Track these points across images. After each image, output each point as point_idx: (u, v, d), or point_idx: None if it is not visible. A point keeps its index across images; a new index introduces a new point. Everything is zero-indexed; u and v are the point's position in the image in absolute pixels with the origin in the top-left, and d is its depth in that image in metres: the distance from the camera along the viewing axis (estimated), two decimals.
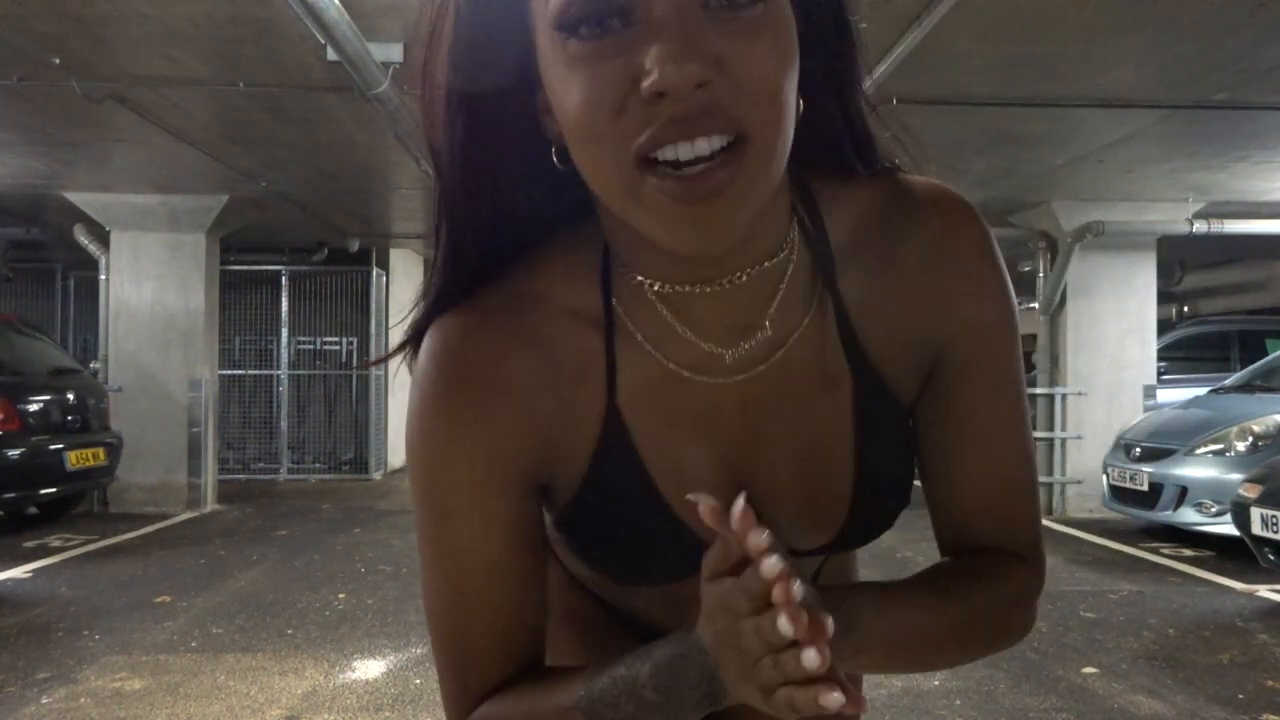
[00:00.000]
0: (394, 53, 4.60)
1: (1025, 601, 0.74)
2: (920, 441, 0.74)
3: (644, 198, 0.54)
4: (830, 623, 0.51)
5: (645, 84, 0.50)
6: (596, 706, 0.61)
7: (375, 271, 11.26)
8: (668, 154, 0.52)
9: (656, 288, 0.64)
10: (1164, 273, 9.91)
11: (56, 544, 6.79)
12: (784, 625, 0.49)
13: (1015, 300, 0.73)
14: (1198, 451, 6.63)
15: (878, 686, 3.66)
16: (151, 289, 8.39)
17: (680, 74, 0.49)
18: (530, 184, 0.65)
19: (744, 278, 0.63)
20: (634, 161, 0.53)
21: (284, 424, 11.25)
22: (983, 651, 0.72)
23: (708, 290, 0.63)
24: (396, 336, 0.72)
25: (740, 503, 0.51)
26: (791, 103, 0.56)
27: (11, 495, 6.77)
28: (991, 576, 0.72)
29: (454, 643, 0.69)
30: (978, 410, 0.72)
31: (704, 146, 0.52)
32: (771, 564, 0.50)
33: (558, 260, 0.68)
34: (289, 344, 11.27)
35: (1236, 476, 5.91)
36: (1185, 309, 14.36)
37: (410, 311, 0.70)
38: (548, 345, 0.66)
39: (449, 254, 0.67)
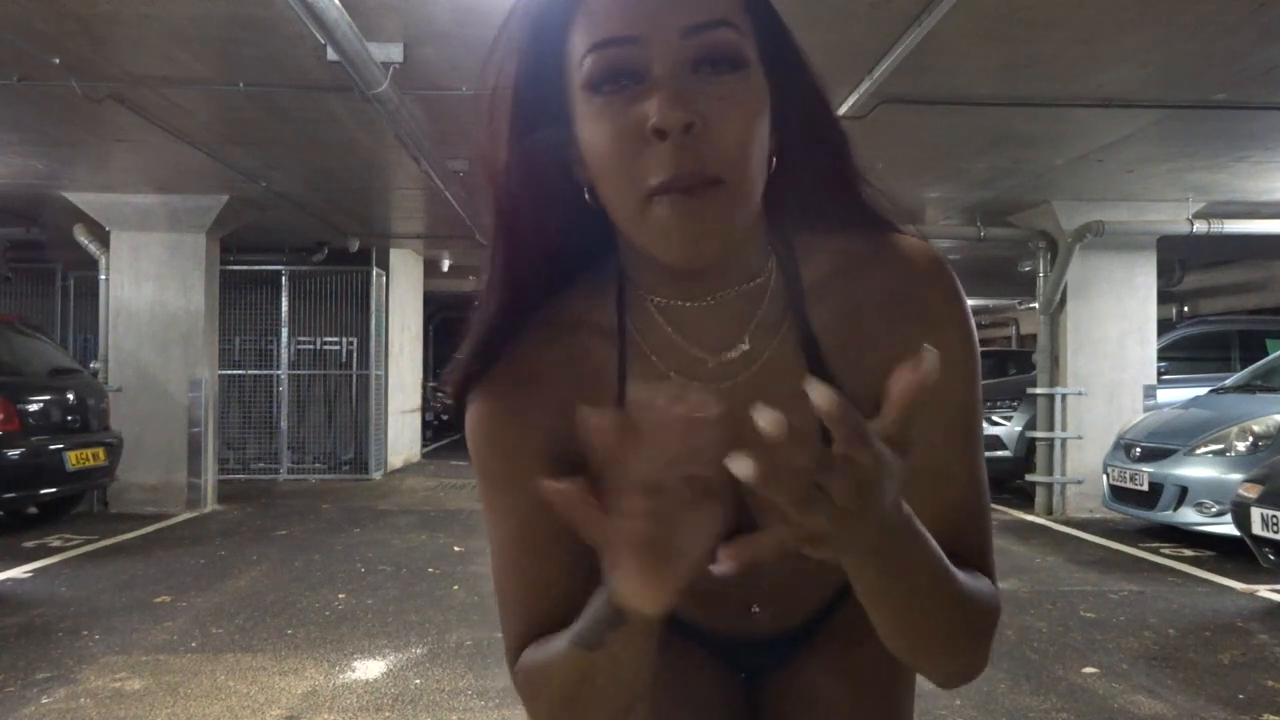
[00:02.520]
0: (394, 53, 4.61)
1: (992, 617, 0.78)
2: None
3: (650, 220, 0.69)
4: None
5: (649, 123, 0.66)
6: (580, 636, 0.73)
7: (375, 271, 11.26)
8: (667, 184, 0.68)
9: (658, 301, 0.80)
10: (1164, 273, 9.92)
11: (56, 544, 6.79)
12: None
13: (976, 347, 0.82)
14: (1198, 451, 6.63)
15: None
16: (151, 289, 8.39)
17: (674, 117, 0.65)
18: (566, 223, 0.80)
19: (727, 295, 0.79)
20: (645, 194, 0.68)
21: (284, 424, 11.25)
22: (954, 645, 0.75)
23: (697, 304, 0.79)
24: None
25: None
26: (759, 153, 0.71)
27: (11, 495, 6.77)
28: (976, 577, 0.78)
29: (504, 594, 0.84)
30: (928, 439, 0.78)
31: (692, 181, 0.67)
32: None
33: (583, 285, 0.84)
34: (289, 344, 11.27)
35: (1236, 476, 5.91)
36: (1185, 309, 14.37)
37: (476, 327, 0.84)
38: (574, 350, 0.82)
39: (506, 281, 0.82)
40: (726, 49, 0.69)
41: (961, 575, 0.74)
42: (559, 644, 0.75)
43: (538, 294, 0.83)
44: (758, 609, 0.92)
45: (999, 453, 9.39)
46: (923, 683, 0.97)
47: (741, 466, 0.55)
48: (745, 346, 0.80)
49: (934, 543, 0.69)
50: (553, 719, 0.79)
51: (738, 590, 0.89)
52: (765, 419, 0.55)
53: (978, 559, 0.81)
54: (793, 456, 0.55)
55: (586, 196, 0.76)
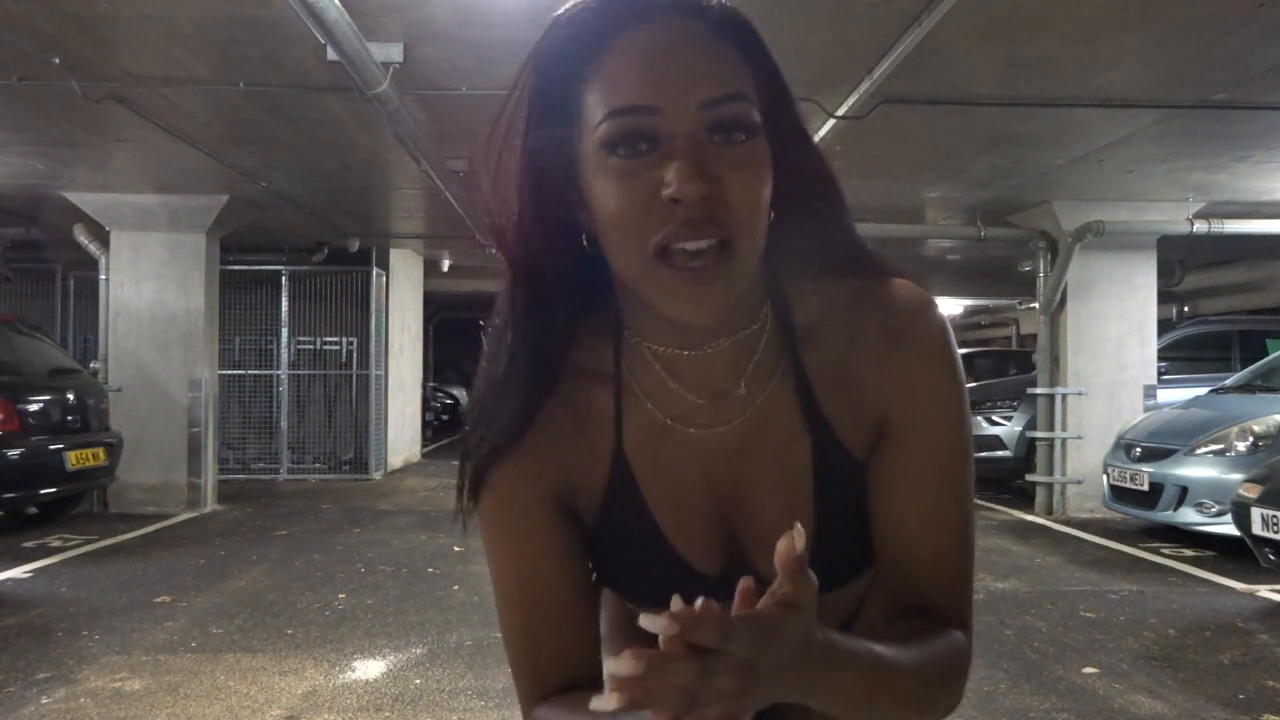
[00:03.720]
0: (394, 53, 4.60)
1: (957, 672, 0.78)
2: (869, 501, 0.83)
3: (658, 279, 0.72)
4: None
5: (667, 192, 0.69)
6: None
7: (375, 271, 11.26)
8: (676, 246, 0.71)
9: (656, 349, 0.82)
10: (1164, 273, 9.91)
11: (56, 544, 6.79)
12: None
13: (964, 385, 0.84)
14: (1198, 451, 6.63)
15: None
16: (151, 289, 8.39)
17: (694, 189, 0.68)
18: (569, 268, 0.81)
19: (723, 343, 0.81)
20: (654, 252, 0.71)
21: (284, 424, 11.25)
22: (915, 716, 0.75)
23: (695, 353, 0.81)
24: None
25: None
26: (764, 214, 0.74)
27: (11, 495, 6.77)
28: (928, 640, 0.77)
29: (510, 638, 0.86)
30: (910, 471, 0.81)
31: (702, 245, 0.70)
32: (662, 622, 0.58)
33: (583, 331, 0.85)
34: (289, 344, 11.27)
35: (1236, 476, 5.91)
36: (1185, 309, 14.36)
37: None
38: (571, 397, 0.84)
39: (530, 332, 0.82)
40: (740, 119, 0.72)
41: (912, 655, 0.73)
42: None
43: (556, 351, 0.83)
44: None
45: (999, 453, 9.39)
46: None
47: (606, 701, 0.57)
48: (741, 391, 0.82)
49: (866, 648, 0.69)
50: None
51: None
52: (658, 625, 0.57)
53: (955, 609, 0.81)
54: (674, 675, 0.57)
55: (585, 242, 0.78)
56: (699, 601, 0.59)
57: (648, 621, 0.58)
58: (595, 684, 0.81)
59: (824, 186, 0.83)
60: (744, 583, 0.62)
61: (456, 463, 0.86)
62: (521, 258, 0.80)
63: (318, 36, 4.06)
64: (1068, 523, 7.99)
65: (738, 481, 0.83)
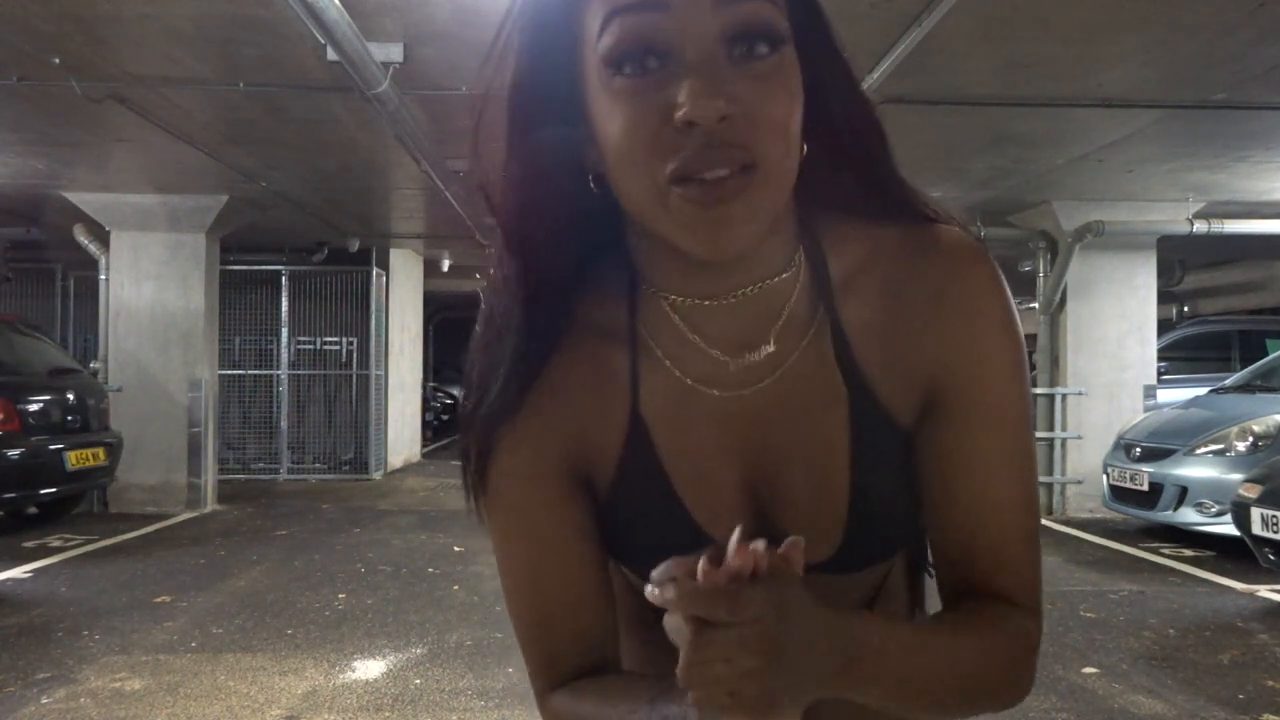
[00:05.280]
0: (394, 53, 4.60)
1: (1020, 657, 0.72)
2: (917, 476, 0.75)
3: (671, 205, 0.63)
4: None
5: (679, 114, 0.60)
6: None
7: (375, 271, 11.26)
8: (694, 176, 0.62)
9: (674, 300, 0.73)
10: (1164, 273, 9.91)
11: (56, 544, 6.79)
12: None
13: (1023, 343, 0.74)
14: (1198, 451, 6.63)
15: None
16: (151, 289, 8.39)
17: (708, 108, 0.59)
18: (571, 216, 0.73)
19: (751, 291, 0.71)
20: (667, 182, 0.62)
21: (284, 424, 11.24)
22: (974, 706, 0.70)
23: (719, 303, 0.72)
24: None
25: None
26: (795, 138, 0.65)
27: (11, 495, 6.77)
28: (981, 626, 0.71)
29: (521, 621, 0.79)
30: (969, 447, 0.72)
31: (721, 172, 0.61)
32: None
33: (591, 285, 0.77)
34: (289, 344, 11.27)
35: (1236, 476, 5.90)
36: (1185, 309, 14.36)
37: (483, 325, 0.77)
38: (583, 358, 0.75)
39: (523, 287, 0.74)
40: (762, 23, 0.62)
41: (965, 639, 0.69)
42: None
43: (556, 301, 0.75)
44: None
45: None
46: None
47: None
48: (770, 348, 0.73)
49: (908, 626, 0.67)
50: None
51: None
52: (662, 597, 0.55)
53: (1023, 591, 0.73)
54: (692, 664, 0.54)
55: (592, 184, 0.69)
56: (700, 564, 0.54)
57: (651, 593, 0.54)
58: (614, 667, 0.77)
59: (863, 118, 0.73)
60: (755, 545, 0.55)
61: (459, 449, 0.79)
62: (514, 205, 0.71)
63: (318, 36, 4.06)
64: (1068, 523, 7.98)
65: (766, 450, 0.74)
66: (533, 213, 0.71)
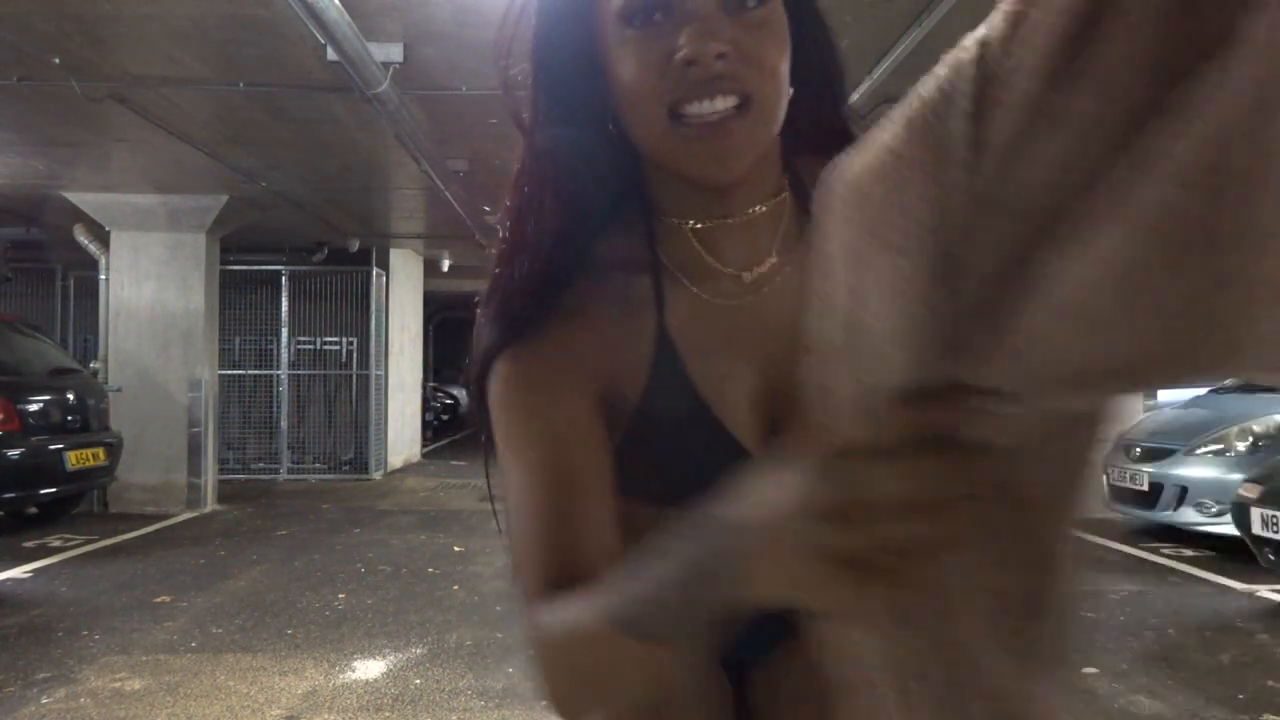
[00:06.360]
0: (394, 53, 4.61)
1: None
2: None
3: (677, 140, 0.73)
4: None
5: (679, 55, 0.70)
6: (626, 609, 0.63)
7: (375, 271, 11.26)
8: (693, 109, 0.71)
9: (692, 225, 0.82)
10: None
11: (56, 544, 6.79)
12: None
13: None
14: (1198, 451, 6.63)
15: None
16: (151, 289, 8.39)
17: (705, 47, 0.69)
18: (592, 158, 0.81)
19: (757, 210, 0.81)
20: (668, 113, 0.72)
21: (284, 424, 11.25)
22: None
23: (730, 221, 0.81)
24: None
25: None
26: (784, 79, 0.74)
27: (11, 495, 6.77)
28: None
29: (523, 526, 0.77)
30: None
31: (720, 104, 0.71)
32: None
33: (612, 229, 0.84)
34: (289, 344, 11.27)
35: (1236, 476, 5.91)
36: None
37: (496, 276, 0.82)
38: (606, 287, 0.82)
39: (536, 221, 0.81)
40: None
41: None
42: (595, 616, 0.66)
43: (581, 237, 0.82)
44: None
45: None
46: None
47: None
48: (773, 259, 0.82)
49: None
50: (568, 695, 0.71)
51: None
52: None
53: None
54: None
55: (611, 126, 0.79)
56: None
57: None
58: None
59: (836, 71, 0.84)
60: None
61: (470, 368, 0.81)
62: (543, 144, 0.80)
63: (318, 36, 4.06)
64: None
65: (781, 353, 0.78)
66: (561, 151, 0.80)
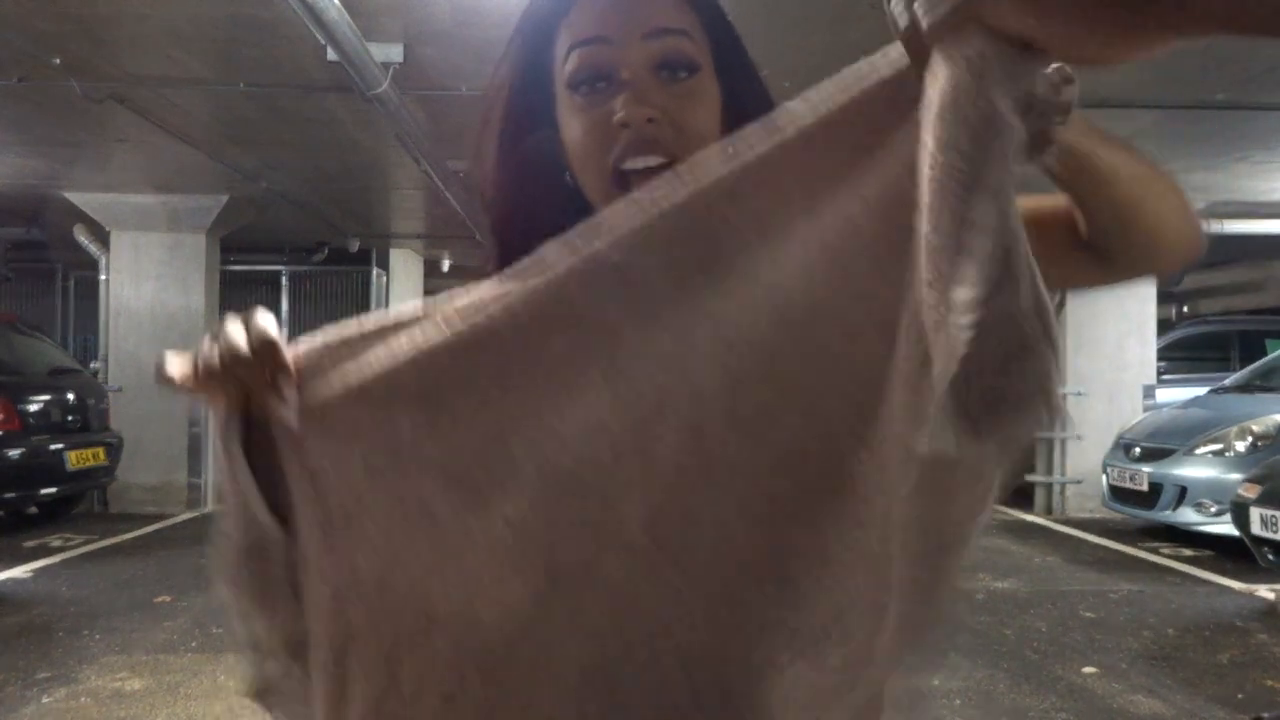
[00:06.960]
0: (394, 53, 4.61)
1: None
2: None
3: (617, 191, 0.78)
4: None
5: (616, 118, 0.79)
6: None
7: (375, 271, 11.26)
8: (628, 164, 0.80)
9: None
10: None
11: (56, 544, 6.79)
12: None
13: None
14: (1197, 451, 6.64)
15: None
16: (151, 289, 8.39)
17: (636, 112, 0.78)
18: (553, 204, 0.88)
19: None
20: (610, 172, 0.80)
21: None
22: (1182, 222, 0.75)
23: None
24: None
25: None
26: (711, 139, 0.78)
27: (11, 495, 6.77)
28: None
29: None
30: None
31: (651, 161, 0.79)
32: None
33: None
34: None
35: (1236, 476, 5.91)
36: (1185, 309, 14.36)
37: None
38: None
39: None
40: (680, 54, 0.81)
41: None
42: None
43: None
44: None
45: None
46: None
47: None
48: None
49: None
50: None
51: None
52: None
53: None
54: None
55: (568, 177, 0.86)
56: None
57: None
58: None
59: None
60: None
61: None
62: (502, 193, 0.88)
63: (318, 37, 4.06)
64: (1067, 522, 7.99)
65: None
66: (520, 199, 0.88)
